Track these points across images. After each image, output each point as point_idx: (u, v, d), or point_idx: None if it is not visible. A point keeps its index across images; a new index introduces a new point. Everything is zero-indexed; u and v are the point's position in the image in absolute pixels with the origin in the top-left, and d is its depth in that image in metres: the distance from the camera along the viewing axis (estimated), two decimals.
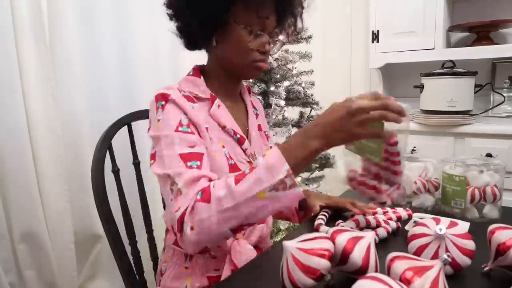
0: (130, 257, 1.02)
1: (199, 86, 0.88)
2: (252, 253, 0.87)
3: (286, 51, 1.85)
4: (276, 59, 1.79)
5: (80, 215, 1.73)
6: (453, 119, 1.74)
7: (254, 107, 1.03)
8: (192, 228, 0.67)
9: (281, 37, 0.94)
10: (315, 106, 1.92)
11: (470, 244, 0.65)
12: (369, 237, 0.63)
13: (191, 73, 0.91)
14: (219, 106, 0.88)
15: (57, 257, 1.65)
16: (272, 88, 1.84)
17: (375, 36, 2.07)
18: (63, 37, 1.60)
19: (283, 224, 1.82)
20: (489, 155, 1.66)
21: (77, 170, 1.70)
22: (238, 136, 0.89)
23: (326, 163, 2.00)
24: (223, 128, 0.87)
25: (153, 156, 0.79)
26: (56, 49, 1.60)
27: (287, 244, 0.59)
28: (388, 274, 0.57)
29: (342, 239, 0.62)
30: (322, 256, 0.58)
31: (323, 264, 0.58)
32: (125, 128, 1.07)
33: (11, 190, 1.53)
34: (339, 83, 2.56)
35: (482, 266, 0.66)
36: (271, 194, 0.65)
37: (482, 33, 1.91)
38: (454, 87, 1.76)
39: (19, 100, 1.49)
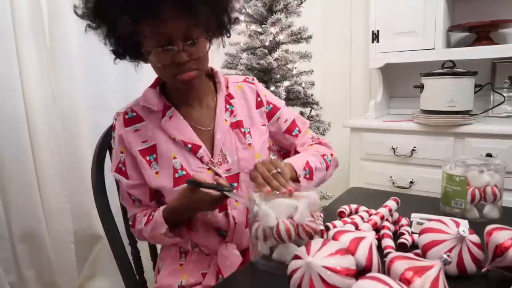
0: (130, 257, 1.02)
1: (152, 98, 0.91)
2: (237, 260, 0.88)
3: (286, 51, 1.85)
4: (276, 59, 1.79)
5: (80, 215, 1.73)
6: (453, 119, 1.74)
7: (230, 103, 0.97)
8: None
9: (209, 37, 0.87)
10: (315, 106, 1.92)
11: (480, 254, 0.66)
12: (369, 237, 0.63)
13: (150, 85, 0.95)
14: (171, 117, 0.90)
15: (57, 257, 1.65)
16: (272, 88, 1.85)
17: (375, 36, 2.06)
18: (63, 37, 1.60)
19: None
20: (489, 155, 1.66)
21: (77, 170, 1.70)
22: (190, 146, 0.89)
23: None
24: (174, 139, 0.89)
25: None
26: (56, 49, 1.60)
27: (314, 262, 0.55)
28: (388, 274, 0.57)
29: (345, 240, 0.62)
30: (349, 275, 0.56)
31: (349, 283, 0.55)
32: None
33: (11, 190, 1.53)
34: (339, 83, 2.56)
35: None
36: (163, 237, 0.89)
37: (482, 33, 1.91)
38: (454, 87, 1.76)
39: (19, 100, 1.49)
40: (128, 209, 0.97)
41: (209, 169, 0.89)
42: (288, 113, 1.05)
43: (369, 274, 0.54)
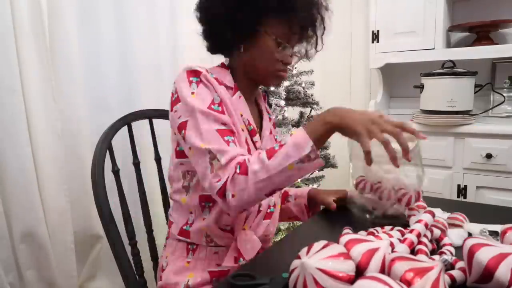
0: (130, 257, 1.02)
1: (225, 76, 0.92)
2: (257, 244, 0.91)
3: None
4: None
5: (80, 215, 1.73)
6: (453, 119, 1.74)
7: (268, 112, 1.07)
8: (233, 196, 0.77)
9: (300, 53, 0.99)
10: (315, 106, 1.92)
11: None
12: (383, 247, 0.61)
13: (218, 65, 0.95)
14: (240, 97, 0.92)
15: (57, 257, 1.65)
16: (272, 88, 1.84)
17: (375, 36, 2.06)
18: (63, 37, 1.60)
19: (283, 224, 1.82)
20: (489, 155, 1.66)
21: (77, 170, 1.70)
22: (252, 127, 0.93)
23: (326, 163, 2.00)
24: (241, 116, 0.91)
25: (183, 125, 0.83)
26: (56, 49, 1.60)
27: (308, 263, 0.55)
28: (389, 275, 0.57)
29: (357, 253, 0.59)
30: (345, 280, 0.55)
31: None
32: (125, 128, 1.07)
33: (11, 190, 1.52)
34: (339, 83, 2.56)
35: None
36: (298, 165, 0.75)
37: (482, 33, 1.91)
38: (454, 87, 1.76)
39: (19, 100, 1.49)
40: (222, 148, 0.78)
41: None
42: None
43: (369, 274, 0.54)
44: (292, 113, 1.96)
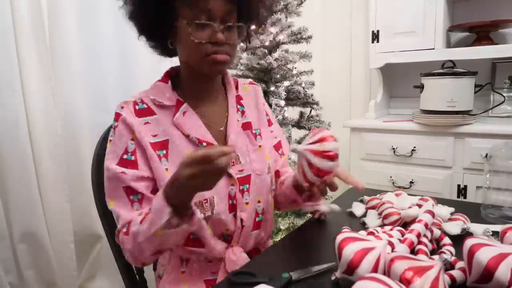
0: None
1: (164, 92, 0.86)
2: (244, 262, 0.85)
3: (286, 51, 1.85)
4: (276, 59, 1.79)
5: (80, 215, 1.73)
6: (453, 119, 1.74)
7: (240, 104, 0.96)
8: (129, 253, 0.80)
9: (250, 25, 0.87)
10: (315, 106, 1.92)
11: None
12: (380, 247, 0.61)
13: (160, 78, 0.90)
14: (184, 113, 0.85)
15: (57, 257, 1.65)
16: (272, 88, 1.85)
17: (375, 36, 2.06)
18: (63, 37, 1.60)
19: (283, 224, 1.82)
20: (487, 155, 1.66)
21: (77, 170, 1.70)
22: (204, 144, 0.84)
23: None
24: (187, 137, 0.84)
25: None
26: (56, 49, 1.60)
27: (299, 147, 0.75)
28: (388, 274, 0.57)
29: (350, 251, 0.60)
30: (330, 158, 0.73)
31: (330, 164, 0.73)
32: None
33: (11, 190, 1.53)
34: (339, 83, 2.56)
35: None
36: (165, 232, 0.71)
37: (482, 33, 1.90)
38: (454, 87, 1.76)
39: (19, 100, 1.49)
40: (121, 214, 0.80)
41: None
42: (279, 131, 1.06)
43: (368, 275, 0.54)
44: (292, 113, 1.96)
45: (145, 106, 0.84)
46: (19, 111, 1.50)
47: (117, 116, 0.83)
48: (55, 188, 1.63)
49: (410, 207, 0.87)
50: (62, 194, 1.65)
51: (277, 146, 1.03)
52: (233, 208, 0.86)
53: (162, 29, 0.83)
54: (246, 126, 0.94)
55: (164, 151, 0.83)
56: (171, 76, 0.90)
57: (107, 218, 0.97)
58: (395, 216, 0.83)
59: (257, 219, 0.91)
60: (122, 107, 0.84)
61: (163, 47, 0.89)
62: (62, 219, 1.65)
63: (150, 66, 1.87)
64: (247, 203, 0.88)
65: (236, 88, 0.97)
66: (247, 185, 0.88)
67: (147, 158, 0.82)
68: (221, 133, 0.89)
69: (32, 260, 1.62)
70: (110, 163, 0.81)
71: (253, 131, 0.95)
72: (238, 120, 0.92)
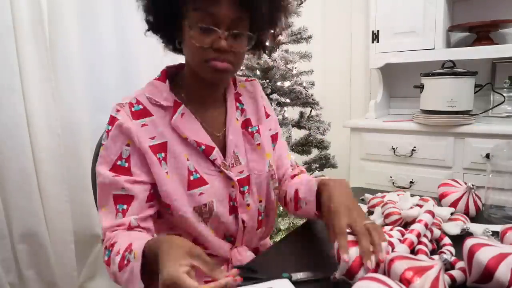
0: None
1: (162, 92, 0.83)
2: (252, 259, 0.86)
3: (286, 51, 1.85)
4: (275, 60, 1.79)
5: (80, 215, 1.73)
6: (453, 119, 1.74)
7: (239, 101, 0.94)
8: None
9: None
10: (315, 106, 1.92)
11: None
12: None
13: (157, 77, 0.86)
14: (182, 114, 0.82)
15: (57, 257, 1.65)
16: (279, 83, 1.84)
17: (375, 36, 2.06)
18: (63, 37, 1.60)
19: (283, 224, 1.82)
20: (489, 155, 1.66)
21: (77, 170, 1.70)
22: (203, 147, 0.82)
23: (326, 163, 2.00)
24: (185, 140, 0.81)
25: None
26: (56, 49, 1.60)
27: None
28: (388, 274, 0.57)
29: (350, 255, 0.60)
30: None
31: None
32: None
33: (11, 190, 1.53)
34: (339, 83, 2.56)
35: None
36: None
37: (482, 33, 1.91)
38: (454, 87, 1.76)
39: (19, 100, 1.49)
40: (104, 218, 0.77)
41: (220, 172, 0.83)
42: (277, 125, 1.03)
43: (368, 275, 0.54)
44: (292, 113, 1.96)
45: (140, 107, 0.81)
46: (19, 111, 1.50)
47: (112, 120, 0.80)
48: (55, 188, 1.63)
49: (411, 207, 0.87)
50: (62, 194, 1.65)
51: (274, 139, 1.00)
52: (234, 210, 0.86)
53: (169, 28, 0.82)
54: (246, 124, 0.92)
55: (163, 154, 0.80)
56: (169, 75, 0.88)
57: None
58: (396, 215, 0.83)
59: (259, 218, 0.91)
60: (118, 111, 0.80)
61: (172, 46, 0.88)
62: (62, 219, 1.65)
63: (150, 66, 1.87)
64: (248, 205, 0.87)
65: (235, 85, 0.96)
66: (247, 187, 0.88)
67: (147, 164, 0.79)
68: (221, 134, 0.88)
69: (32, 260, 1.62)
70: (102, 169, 0.79)
71: (250, 130, 0.92)
72: (238, 119, 0.90)
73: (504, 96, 1.76)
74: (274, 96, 1.79)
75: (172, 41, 0.85)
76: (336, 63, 2.55)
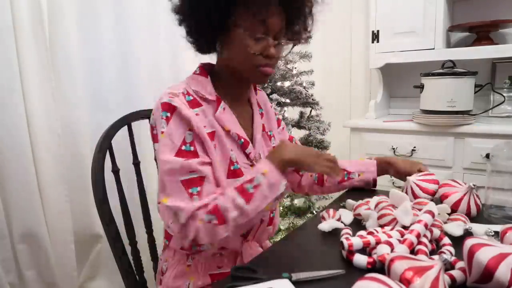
0: (130, 257, 1.02)
1: (206, 87, 0.87)
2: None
3: None
4: None
5: (80, 215, 1.73)
6: (453, 119, 1.74)
7: (259, 106, 1.02)
8: (211, 244, 0.80)
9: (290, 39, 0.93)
10: (315, 106, 1.92)
11: None
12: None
13: (197, 72, 0.91)
14: (224, 109, 0.88)
15: (57, 257, 1.65)
16: (279, 83, 1.84)
17: (375, 36, 2.06)
18: (63, 37, 1.60)
19: (283, 224, 1.82)
20: (489, 155, 1.66)
21: (77, 170, 1.70)
22: (243, 140, 0.89)
23: None
24: (228, 132, 0.87)
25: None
26: (56, 49, 1.60)
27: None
28: (388, 274, 0.57)
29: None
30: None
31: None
32: (125, 128, 1.07)
33: (11, 190, 1.52)
34: (339, 83, 2.56)
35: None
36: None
37: (482, 33, 1.91)
38: (454, 87, 1.76)
39: (19, 100, 1.49)
40: (182, 207, 0.76)
41: (251, 165, 0.90)
42: (286, 134, 1.13)
43: (368, 275, 0.54)
44: (292, 113, 1.96)
45: (191, 97, 0.85)
46: (19, 111, 1.50)
47: (169, 106, 0.80)
48: (55, 188, 1.63)
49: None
50: (62, 194, 1.64)
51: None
52: None
53: (214, 30, 0.84)
54: (263, 128, 1.00)
55: (215, 142, 0.85)
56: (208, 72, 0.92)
57: (107, 218, 0.97)
58: (390, 216, 0.83)
59: (271, 215, 0.96)
60: (172, 98, 0.81)
61: (206, 45, 0.90)
62: (62, 219, 1.65)
63: (150, 66, 1.88)
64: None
65: (255, 90, 1.03)
66: None
67: (206, 149, 0.82)
68: (250, 131, 0.94)
69: (32, 260, 1.62)
70: (168, 156, 0.78)
71: (269, 133, 1.01)
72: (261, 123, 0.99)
73: (504, 96, 1.76)
74: (274, 96, 1.79)
75: (208, 42, 0.89)
76: (336, 63, 2.55)
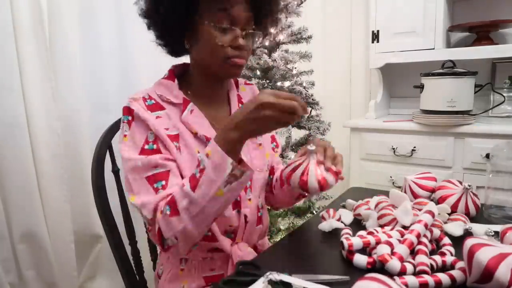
0: (130, 257, 1.02)
1: (172, 90, 0.87)
2: (253, 256, 0.88)
3: (286, 51, 1.85)
4: (275, 60, 1.79)
5: (80, 215, 1.73)
6: (453, 119, 1.74)
7: (241, 103, 0.99)
8: (176, 239, 0.75)
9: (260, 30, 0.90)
10: (315, 106, 1.91)
11: None
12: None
13: (165, 76, 0.91)
14: (191, 111, 0.86)
15: (57, 257, 1.65)
16: (279, 83, 1.84)
17: (375, 36, 2.06)
18: (63, 37, 1.60)
19: (283, 224, 1.82)
20: (489, 155, 1.66)
21: (77, 170, 1.70)
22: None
23: None
24: (195, 134, 0.85)
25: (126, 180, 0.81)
26: (56, 49, 1.60)
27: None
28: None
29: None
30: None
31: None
32: None
33: (11, 190, 1.52)
34: (339, 83, 2.56)
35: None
36: (227, 188, 0.71)
37: (482, 33, 1.91)
38: (454, 87, 1.76)
39: (19, 100, 1.49)
40: (146, 202, 0.76)
41: None
42: None
43: (368, 275, 0.54)
44: None
45: (153, 101, 0.85)
46: (19, 111, 1.50)
47: (128, 110, 0.82)
48: (55, 188, 1.63)
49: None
50: (62, 194, 1.64)
51: (271, 140, 1.06)
52: (237, 205, 0.89)
53: (180, 29, 0.84)
54: None
55: (177, 144, 0.83)
56: (176, 74, 0.92)
57: (107, 218, 0.97)
58: (390, 216, 0.83)
59: (259, 214, 0.94)
60: (131, 102, 0.83)
61: (175, 46, 0.90)
62: (62, 219, 1.65)
63: (150, 66, 1.87)
64: (249, 199, 0.90)
65: (237, 87, 1.01)
66: (250, 182, 0.91)
67: (167, 148, 0.82)
68: None
69: (32, 260, 1.62)
70: (131, 154, 0.79)
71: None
72: None
73: (504, 96, 1.76)
74: None
75: (176, 42, 0.88)
76: (336, 63, 2.55)
